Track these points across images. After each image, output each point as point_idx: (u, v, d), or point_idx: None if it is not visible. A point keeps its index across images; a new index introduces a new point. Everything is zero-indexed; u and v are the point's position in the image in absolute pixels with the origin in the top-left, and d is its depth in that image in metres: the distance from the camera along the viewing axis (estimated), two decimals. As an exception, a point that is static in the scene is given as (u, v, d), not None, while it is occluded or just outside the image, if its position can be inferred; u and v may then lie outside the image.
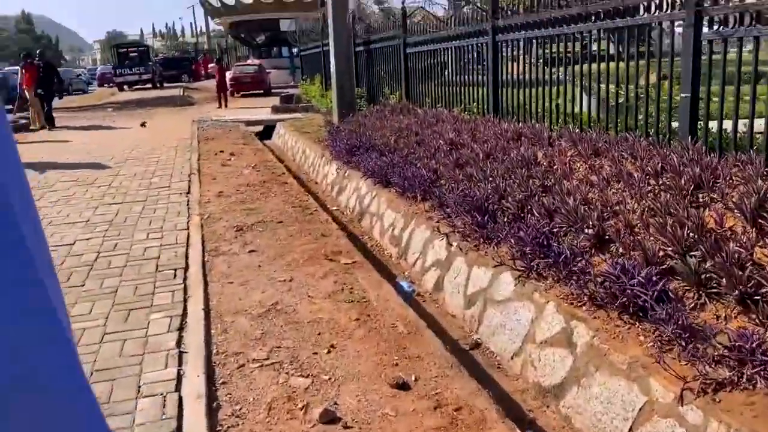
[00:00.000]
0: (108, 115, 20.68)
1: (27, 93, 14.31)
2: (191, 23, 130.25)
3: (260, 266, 4.46)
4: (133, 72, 31.56)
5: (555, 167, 5.27)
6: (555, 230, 4.27)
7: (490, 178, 5.49)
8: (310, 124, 13.49)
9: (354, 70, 12.63)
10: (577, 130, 5.88)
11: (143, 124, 14.98)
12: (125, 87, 32.04)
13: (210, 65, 34.83)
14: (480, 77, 8.13)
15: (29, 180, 0.52)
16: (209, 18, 39.56)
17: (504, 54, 7.62)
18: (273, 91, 28.67)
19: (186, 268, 4.43)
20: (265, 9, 34.88)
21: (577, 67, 6.53)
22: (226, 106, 22.91)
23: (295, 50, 38.35)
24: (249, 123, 14.55)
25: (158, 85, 33.55)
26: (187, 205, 6.31)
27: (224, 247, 4.92)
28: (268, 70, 31.15)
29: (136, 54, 33.54)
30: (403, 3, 9.99)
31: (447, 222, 5.17)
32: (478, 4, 8.05)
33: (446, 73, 9.18)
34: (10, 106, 15.18)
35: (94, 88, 40.01)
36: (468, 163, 6.12)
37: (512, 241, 4.34)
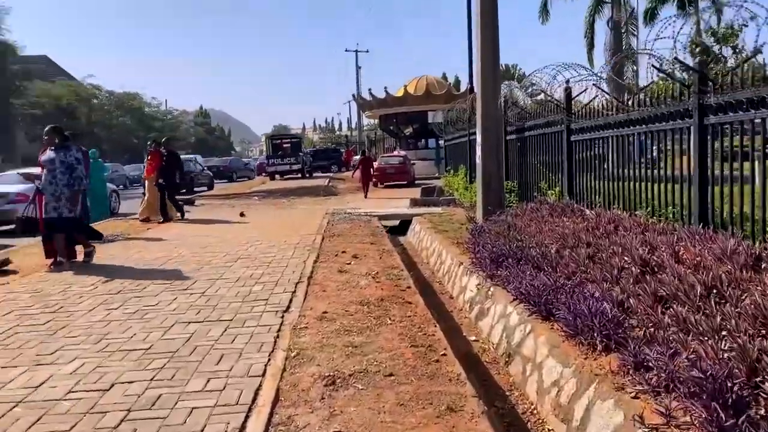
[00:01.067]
0: (251, 203, 20.65)
1: (147, 182, 13.98)
2: (347, 118, 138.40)
3: (343, 471, 2.72)
4: (284, 162, 32.55)
5: None
6: None
7: (724, 333, 3.43)
8: (449, 221, 11.91)
9: (504, 161, 10.97)
10: None
11: (242, 214, 14.45)
12: (276, 176, 32.98)
13: (354, 157, 35.08)
14: (677, 172, 6.08)
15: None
16: (361, 111, 40.53)
17: (714, 142, 5.57)
18: (417, 182, 27.83)
19: (229, 463, 2.80)
20: (413, 101, 34.86)
21: None
22: (366, 196, 22.41)
23: (441, 141, 37.90)
24: (384, 217, 13.28)
25: (307, 175, 34.26)
26: (278, 332, 4.80)
27: (301, 418, 3.25)
28: (412, 162, 30.61)
29: (288, 145, 34.81)
30: (567, 81, 8.26)
31: (654, 402, 3.15)
32: (677, 76, 6.09)
33: (625, 165, 7.21)
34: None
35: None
36: (676, 299, 4.07)
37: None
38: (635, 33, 25.56)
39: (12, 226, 10.35)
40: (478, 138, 10.85)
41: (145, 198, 14.13)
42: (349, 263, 7.71)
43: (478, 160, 10.84)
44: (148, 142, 14.91)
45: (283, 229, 11.36)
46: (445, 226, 11.13)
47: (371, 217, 13.06)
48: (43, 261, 8.28)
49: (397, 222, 13.44)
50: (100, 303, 5.96)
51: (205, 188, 30.17)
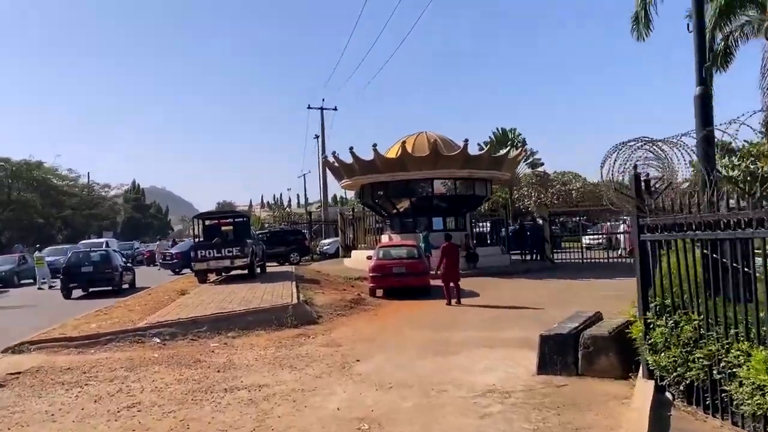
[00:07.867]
0: (137, 360, 8.95)
1: None
2: (297, 194, 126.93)
3: None
4: (222, 254, 20.23)
5: None
6: None
7: None
8: None
9: None
10: None
11: None
12: (210, 276, 20.91)
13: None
14: None
15: None
16: (336, 180, 29.29)
17: None
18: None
19: None
20: (415, 165, 23.99)
21: None
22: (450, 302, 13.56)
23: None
24: None
25: (258, 270, 22.17)
26: None
27: None
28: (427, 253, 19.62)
29: (230, 227, 22.64)
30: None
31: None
32: None
33: None
34: None
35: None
36: None
37: None
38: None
39: None
40: None
41: None
42: None
43: None
44: None
45: None
46: None
47: None
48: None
49: None
50: None
51: (127, 286, 22.90)
